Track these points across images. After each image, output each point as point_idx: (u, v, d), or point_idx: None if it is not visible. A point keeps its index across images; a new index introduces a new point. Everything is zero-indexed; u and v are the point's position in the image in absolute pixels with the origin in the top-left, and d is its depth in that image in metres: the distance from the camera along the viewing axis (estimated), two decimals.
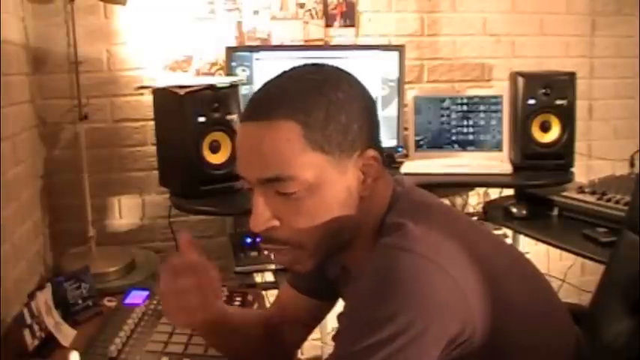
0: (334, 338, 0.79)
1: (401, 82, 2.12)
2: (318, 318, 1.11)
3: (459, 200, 2.42)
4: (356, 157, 0.80)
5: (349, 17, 2.24)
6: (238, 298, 1.40)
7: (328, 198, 0.79)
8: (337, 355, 0.76)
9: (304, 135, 0.76)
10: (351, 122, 0.80)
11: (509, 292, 0.81)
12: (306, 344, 1.16)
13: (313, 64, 0.86)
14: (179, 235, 0.91)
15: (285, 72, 0.84)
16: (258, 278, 1.91)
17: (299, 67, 0.85)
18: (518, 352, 0.81)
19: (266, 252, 0.89)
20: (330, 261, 0.91)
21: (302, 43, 2.20)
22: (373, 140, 0.83)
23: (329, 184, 0.79)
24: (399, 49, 2.14)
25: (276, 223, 0.80)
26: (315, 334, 1.16)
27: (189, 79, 2.04)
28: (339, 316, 0.82)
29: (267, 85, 0.83)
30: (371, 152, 0.81)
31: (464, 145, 2.15)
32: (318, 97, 0.79)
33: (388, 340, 0.70)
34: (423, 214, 0.82)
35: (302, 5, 2.19)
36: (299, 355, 1.18)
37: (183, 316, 0.89)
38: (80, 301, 1.36)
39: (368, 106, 0.84)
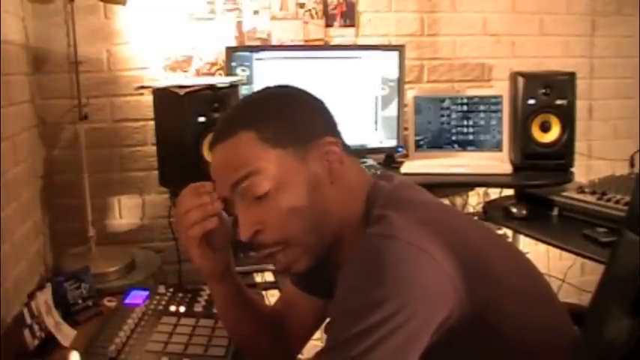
0: (326, 329, 0.80)
1: (401, 82, 2.12)
2: (321, 317, 1.11)
3: (459, 200, 2.42)
4: (314, 145, 0.87)
5: (349, 17, 2.24)
6: None
7: (299, 188, 0.86)
8: (330, 343, 0.77)
9: (259, 137, 0.86)
10: (300, 117, 0.90)
11: (501, 274, 0.84)
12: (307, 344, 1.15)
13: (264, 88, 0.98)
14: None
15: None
16: (258, 278, 1.91)
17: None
18: (516, 331, 0.83)
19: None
20: (327, 261, 0.92)
21: (302, 43, 2.20)
22: (328, 130, 0.91)
23: (295, 175, 0.86)
24: (399, 49, 2.14)
25: (259, 227, 0.87)
26: (316, 334, 1.15)
27: (189, 79, 2.04)
28: (330, 306, 0.83)
29: (224, 114, 0.96)
30: (327, 138, 0.88)
31: (464, 145, 2.15)
32: (264, 104, 0.91)
33: (378, 326, 0.72)
34: (407, 206, 0.86)
35: (302, 5, 2.19)
36: (299, 355, 1.18)
37: (199, 228, 0.95)
38: (80, 301, 1.36)
39: (314, 102, 0.93)
